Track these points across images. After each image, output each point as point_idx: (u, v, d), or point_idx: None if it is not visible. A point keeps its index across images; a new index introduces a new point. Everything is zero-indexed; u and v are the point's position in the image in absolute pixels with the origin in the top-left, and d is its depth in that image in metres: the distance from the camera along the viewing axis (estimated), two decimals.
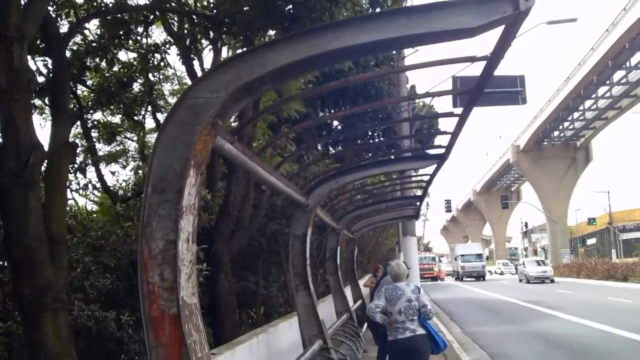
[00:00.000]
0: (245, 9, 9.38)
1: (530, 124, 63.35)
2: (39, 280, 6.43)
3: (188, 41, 11.54)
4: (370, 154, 17.65)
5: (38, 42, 9.70)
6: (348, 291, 15.31)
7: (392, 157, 10.19)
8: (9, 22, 6.16)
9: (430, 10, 2.81)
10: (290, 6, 9.08)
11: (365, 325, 12.14)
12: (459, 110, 4.84)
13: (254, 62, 2.80)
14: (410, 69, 13.41)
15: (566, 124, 61.82)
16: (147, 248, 2.79)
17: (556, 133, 65.28)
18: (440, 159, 6.42)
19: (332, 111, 22.39)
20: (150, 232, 2.79)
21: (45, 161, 7.70)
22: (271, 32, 10.39)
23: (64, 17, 10.55)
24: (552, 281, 41.53)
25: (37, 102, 12.22)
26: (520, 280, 44.89)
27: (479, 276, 53.74)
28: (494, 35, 3.10)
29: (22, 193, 6.44)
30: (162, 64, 13.41)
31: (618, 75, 47.73)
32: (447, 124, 23.93)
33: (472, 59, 3.43)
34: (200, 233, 12.53)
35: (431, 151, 7.05)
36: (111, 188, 14.37)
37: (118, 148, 17.96)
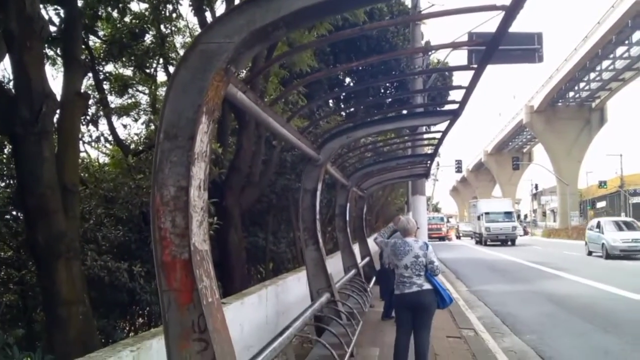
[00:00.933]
0: None
1: (546, 83, 62.36)
2: (52, 229, 6.52)
3: None
4: (382, 110, 17.50)
5: None
6: (357, 248, 15.44)
7: (404, 112, 10.05)
8: None
9: None
10: None
11: (373, 280, 12.29)
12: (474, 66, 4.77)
13: (269, 6, 2.74)
14: (424, 18, 13.21)
15: (582, 84, 60.83)
16: (159, 194, 2.80)
17: (571, 94, 64.31)
18: (454, 115, 6.33)
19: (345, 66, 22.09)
20: (162, 178, 2.79)
21: (58, 111, 7.73)
22: None
23: None
24: None
25: (50, 52, 12.14)
26: (590, 254, 27.29)
27: (508, 240, 42.12)
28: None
29: (36, 142, 6.47)
30: (174, 15, 13.23)
31: (637, 35, 46.60)
32: (461, 81, 23.52)
33: (492, 8, 3.34)
34: (210, 187, 12.62)
35: (444, 107, 6.96)
36: (123, 141, 14.40)
37: (130, 101, 17.90)
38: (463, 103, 5.89)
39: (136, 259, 10.67)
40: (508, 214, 44.00)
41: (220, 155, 11.04)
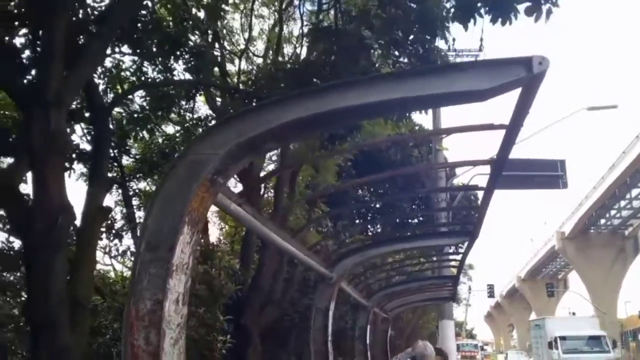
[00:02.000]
0: (281, 85, 9.61)
1: (575, 210, 61.62)
2: (56, 344, 6.32)
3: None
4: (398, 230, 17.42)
5: (83, 110, 10.14)
6: None
7: (418, 232, 9.91)
8: (49, 87, 6.38)
9: (444, 71, 2.74)
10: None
11: None
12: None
13: (258, 119, 2.75)
14: (428, 135, 13.38)
15: (613, 212, 59.91)
16: (134, 308, 2.66)
17: (602, 221, 63.20)
18: (470, 236, 6.17)
19: (371, 189, 22.34)
20: (140, 291, 2.67)
21: (78, 224, 7.81)
22: None
23: (110, 88, 10.99)
24: None
25: (81, 168, 12.60)
26: None
27: None
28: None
29: (49, 254, 6.45)
30: None
31: None
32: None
33: (491, 127, 3.30)
34: (229, 304, 12.40)
35: (460, 229, 6.81)
36: None
37: None
38: (478, 224, 5.75)
39: None
40: (596, 340, 29.81)
41: (237, 271, 10.89)
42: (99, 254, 10.50)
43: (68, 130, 10.16)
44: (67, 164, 9.41)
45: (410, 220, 22.20)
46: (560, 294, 79.07)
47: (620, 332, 64.22)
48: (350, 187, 15.55)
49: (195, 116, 13.15)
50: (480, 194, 5.29)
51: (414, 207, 23.26)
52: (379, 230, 20.85)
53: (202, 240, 15.97)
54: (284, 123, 2.71)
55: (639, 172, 47.09)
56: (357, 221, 22.28)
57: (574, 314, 79.36)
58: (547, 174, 13.67)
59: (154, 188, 16.27)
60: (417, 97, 2.67)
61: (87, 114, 10.03)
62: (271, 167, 17.55)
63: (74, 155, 9.51)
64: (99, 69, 10.61)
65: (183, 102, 12.34)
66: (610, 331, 59.22)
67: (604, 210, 58.86)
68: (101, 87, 10.54)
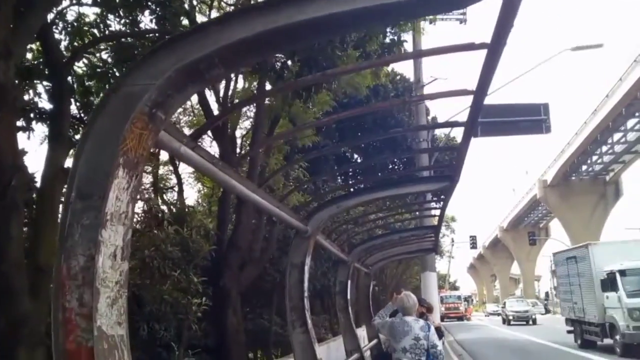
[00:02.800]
0: None
1: (557, 158, 62.06)
2: (14, 311, 5.98)
3: None
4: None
5: (41, 67, 9.54)
6: (364, 330, 14.55)
7: (399, 177, 9.59)
8: None
9: None
10: None
11: None
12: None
13: (199, 42, 2.33)
14: (403, 59, 12.98)
15: (594, 157, 60.40)
16: (65, 265, 2.28)
17: (584, 167, 63.80)
18: (450, 180, 5.86)
19: (350, 142, 21.99)
20: (71, 245, 2.29)
21: (39, 186, 7.39)
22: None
23: (71, 42, 10.35)
24: None
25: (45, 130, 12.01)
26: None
27: None
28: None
29: (3, 217, 6.06)
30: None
31: None
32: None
33: (472, 47, 2.91)
34: (207, 266, 12.10)
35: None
36: None
37: None
38: (458, 166, 5.44)
39: None
40: None
41: (211, 230, 10.56)
42: None
43: (26, 88, 9.66)
44: (25, 124, 8.91)
45: (392, 177, 22.00)
46: (542, 242, 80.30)
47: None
48: (330, 151, 15.10)
49: None
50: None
51: (395, 160, 23.07)
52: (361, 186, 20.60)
53: (177, 201, 15.66)
54: (228, 44, 2.30)
55: (622, 116, 47.17)
56: (339, 178, 22.04)
57: None
58: (530, 119, 13.41)
59: None
60: (393, 4, 2.24)
61: (46, 71, 9.48)
62: (248, 124, 17.10)
63: (32, 115, 8.98)
64: (60, 24, 10.01)
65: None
66: None
67: (586, 157, 59.31)
68: (63, 45, 9.94)
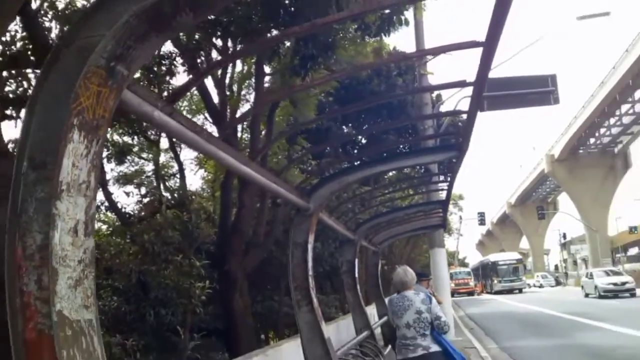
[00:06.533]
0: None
1: (565, 132, 61.60)
2: None
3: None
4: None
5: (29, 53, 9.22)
6: (374, 308, 14.38)
7: (402, 149, 9.27)
8: None
9: None
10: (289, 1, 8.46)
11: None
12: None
13: None
14: (410, 57, 12.64)
15: (602, 130, 59.91)
16: (20, 245, 2.00)
17: (592, 140, 63.31)
18: (458, 150, 5.54)
19: (355, 124, 21.66)
20: (26, 222, 2.00)
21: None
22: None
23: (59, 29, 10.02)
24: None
25: None
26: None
27: None
28: None
29: None
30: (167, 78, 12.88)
31: None
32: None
33: (473, 44, 2.78)
34: (211, 251, 11.90)
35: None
36: (123, 209, 13.80)
37: (133, 168, 17.51)
38: (467, 133, 5.12)
39: (132, 332, 9.89)
40: None
41: (212, 213, 10.33)
42: None
43: (15, 77, 9.36)
44: (14, 113, 8.63)
45: (397, 149, 21.62)
46: (550, 216, 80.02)
47: (610, 249, 65.55)
48: (329, 117, 14.77)
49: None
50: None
51: (400, 139, 22.67)
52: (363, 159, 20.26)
53: (179, 188, 15.42)
54: None
55: (629, 88, 46.58)
56: (344, 160, 21.71)
57: (564, 235, 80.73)
58: (538, 91, 12.98)
59: (126, 138, 15.47)
60: None
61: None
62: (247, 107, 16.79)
63: (20, 103, 8.72)
64: (50, 13, 9.68)
65: None
66: (601, 248, 60.44)
67: (594, 129, 58.88)
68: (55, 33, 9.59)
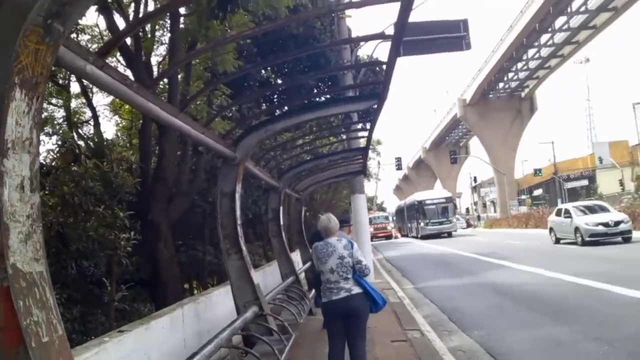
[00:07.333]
0: None
1: (476, 76, 63.72)
2: None
3: None
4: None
5: None
6: (298, 255, 14.77)
7: (326, 98, 9.45)
8: None
9: None
10: None
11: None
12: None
13: None
14: (341, 9, 12.73)
15: (511, 74, 62.44)
16: None
17: (501, 85, 65.94)
18: (379, 98, 5.78)
19: (275, 68, 21.54)
20: None
21: None
22: None
23: None
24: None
25: None
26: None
27: None
28: None
29: None
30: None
31: (560, 21, 47.98)
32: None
33: None
34: (132, 200, 11.71)
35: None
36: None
37: (42, 115, 16.64)
38: (386, 82, 5.35)
39: (53, 285, 9.70)
40: None
41: (133, 162, 10.14)
42: None
43: None
44: None
45: (318, 99, 21.74)
46: (462, 160, 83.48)
47: (517, 190, 69.68)
48: (254, 66, 14.63)
49: None
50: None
51: (320, 84, 22.80)
52: (287, 109, 20.27)
53: (94, 135, 14.91)
54: None
55: (536, 32, 48.45)
56: (263, 104, 21.62)
57: (475, 178, 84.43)
58: (450, 36, 13.34)
59: None
60: None
61: None
62: (163, 50, 16.25)
63: None
64: None
65: None
66: (509, 190, 63.96)
67: (503, 74, 61.24)
68: None
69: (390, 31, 4.41)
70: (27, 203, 2.13)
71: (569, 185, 63.32)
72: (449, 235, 45.79)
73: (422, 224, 47.94)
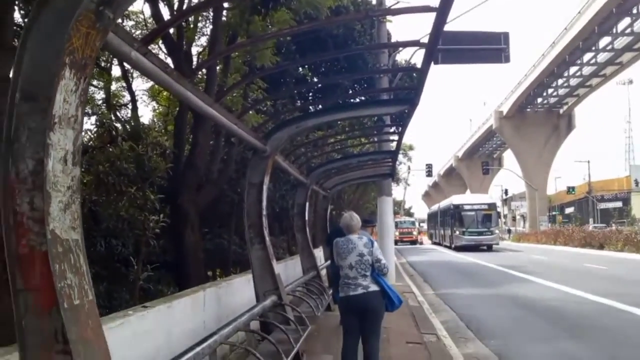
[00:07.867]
0: None
1: (514, 89, 63.03)
2: None
3: None
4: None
5: None
6: (321, 251, 14.89)
7: (360, 100, 9.55)
8: None
9: None
10: None
11: None
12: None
13: None
14: (378, 15, 12.80)
15: (550, 90, 61.61)
16: (14, 169, 2.21)
17: (540, 100, 65.07)
18: (410, 104, 5.86)
19: (312, 66, 21.69)
20: (19, 149, 2.21)
21: None
22: None
23: None
24: None
25: None
26: None
27: None
28: None
29: None
30: None
31: (604, 41, 47.20)
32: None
33: (425, 8, 3.02)
34: (164, 185, 12.00)
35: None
36: None
37: None
38: (418, 89, 5.43)
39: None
40: None
41: (167, 148, 10.41)
42: None
43: None
44: None
45: (352, 100, 21.82)
46: (494, 172, 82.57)
47: (548, 207, 68.59)
48: (292, 64, 14.81)
49: None
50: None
51: (355, 85, 22.89)
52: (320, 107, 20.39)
53: (131, 119, 15.29)
54: None
55: (579, 50, 47.73)
56: (298, 101, 21.83)
57: (506, 191, 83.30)
58: (490, 47, 13.29)
59: None
60: None
61: None
62: (204, 41, 16.56)
63: None
64: None
65: None
66: (540, 205, 63.00)
67: (542, 89, 60.45)
68: None
69: (427, 39, 4.50)
70: (69, 175, 2.30)
71: (602, 205, 62.16)
72: (489, 248, 38.19)
73: (457, 232, 40.17)
